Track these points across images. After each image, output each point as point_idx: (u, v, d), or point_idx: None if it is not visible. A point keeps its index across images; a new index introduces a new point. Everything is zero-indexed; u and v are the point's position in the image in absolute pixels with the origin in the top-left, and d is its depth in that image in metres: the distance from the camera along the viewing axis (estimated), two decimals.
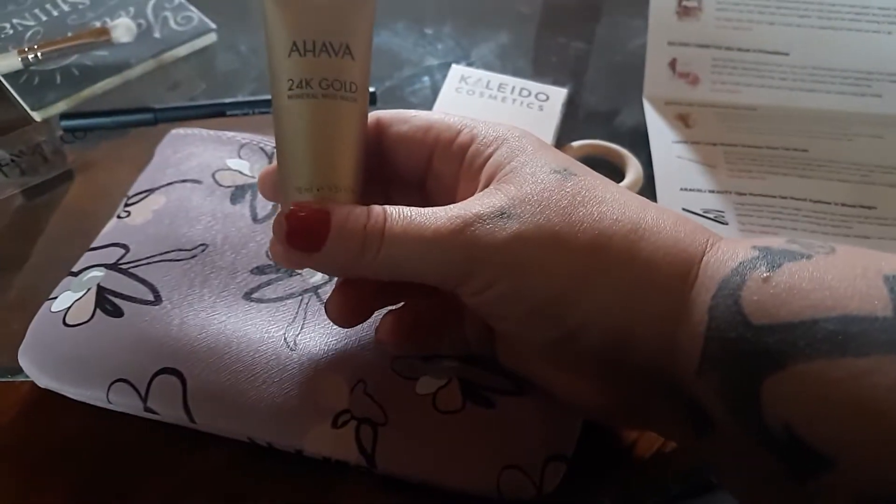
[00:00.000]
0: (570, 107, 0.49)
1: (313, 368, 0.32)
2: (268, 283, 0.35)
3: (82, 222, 0.42)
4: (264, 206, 0.38)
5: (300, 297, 0.35)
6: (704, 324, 0.23)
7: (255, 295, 0.34)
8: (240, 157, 0.40)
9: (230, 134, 0.41)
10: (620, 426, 0.33)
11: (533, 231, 0.25)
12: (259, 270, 0.35)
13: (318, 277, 0.35)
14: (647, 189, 0.41)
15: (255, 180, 0.39)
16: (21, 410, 0.34)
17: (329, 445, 0.30)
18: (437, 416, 0.31)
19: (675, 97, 0.47)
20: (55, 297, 0.34)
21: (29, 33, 0.51)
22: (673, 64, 0.47)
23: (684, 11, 0.46)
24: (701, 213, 0.40)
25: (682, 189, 0.42)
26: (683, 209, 0.41)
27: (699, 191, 0.42)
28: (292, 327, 0.33)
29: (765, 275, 0.23)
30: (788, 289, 0.22)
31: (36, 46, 0.48)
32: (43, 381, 0.32)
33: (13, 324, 0.37)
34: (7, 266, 0.40)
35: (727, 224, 0.40)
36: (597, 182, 0.27)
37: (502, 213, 0.25)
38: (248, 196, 0.38)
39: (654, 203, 0.27)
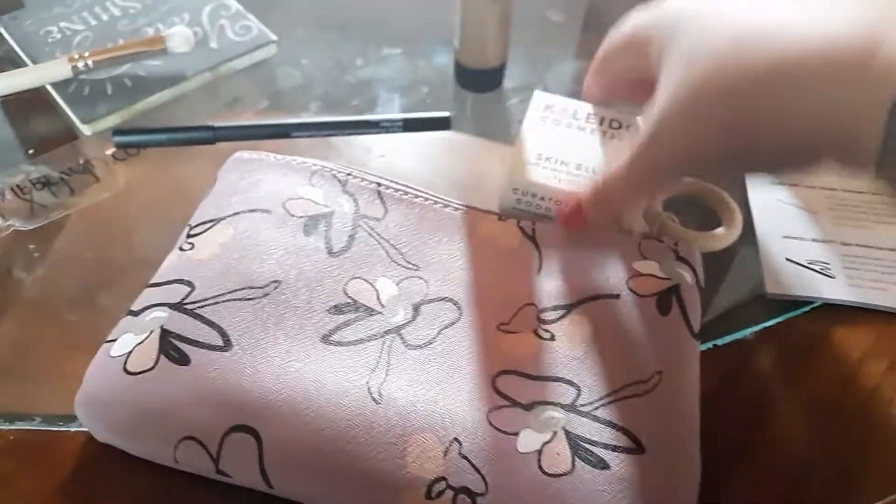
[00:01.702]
0: None
1: (402, 425, 0.29)
2: (346, 324, 0.32)
3: (125, 246, 0.39)
4: (339, 237, 0.35)
5: (382, 339, 0.32)
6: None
7: (333, 337, 0.31)
8: (312, 185, 0.37)
9: (300, 160, 0.38)
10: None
11: None
12: (337, 309, 0.32)
13: (401, 317, 0.33)
14: (747, 234, 0.38)
15: (330, 210, 0.36)
16: (78, 465, 0.31)
17: None
18: (544, 481, 0.28)
19: None
20: (114, 340, 0.31)
21: (77, 38, 0.48)
22: None
23: None
24: (806, 264, 0.37)
25: (784, 237, 0.39)
26: (787, 259, 0.38)
27: (802, 239, 0.39)
28: (376, 375, 0.30)
29: None
30: None
31: (87, 54, 0.45)
32: (102, 436, 0.30)
33: (66, 364, 0.34)
34: (54, 295, 0.37)
35: (834, 277, 0.37)
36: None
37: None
38: (321, 227, 0.35)
39: None
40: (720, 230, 0.38)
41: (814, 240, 0.39)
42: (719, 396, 0.33)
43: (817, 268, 0.37)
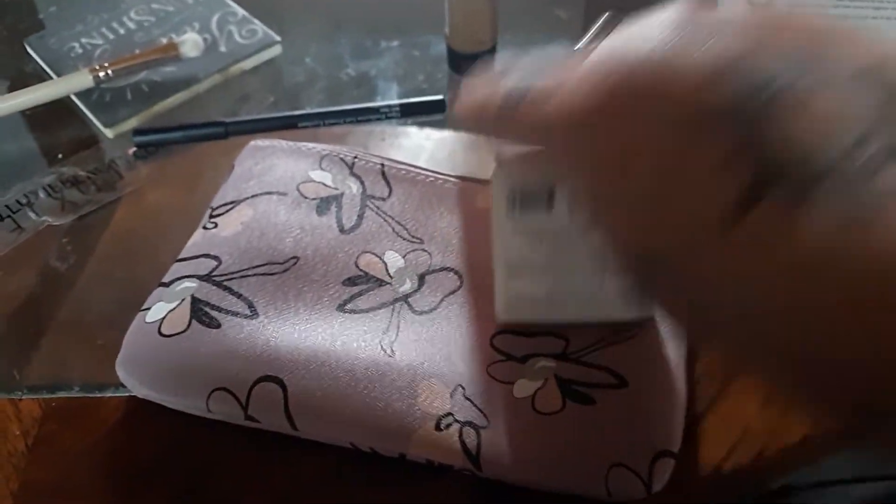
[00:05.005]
0: None
1: (412, 373, 0.32)
2: (360, 294, 0.35)
3: (148, 234, 0.42)
4: (349, 217, 0.38)
5: (392, 307, 0.34)
6: None
7: (348, 306, 0.34)
8: (322, 169, 0.40)
9: (310, 145, 0.41)
10: None
11: None
12: (350, 282, 0.35)
13: (408, 287, 0.35)
14: None
15: (339, 192, 0.39)
16: (112, 424, 0.34)
17: (433, 448, 0.30)
18: (537, 419, 0.31)
19: None
20: (148, 308, 0.34)
21: (98, 52, 0.52)
22: None
23: None
24: None
25: None
26: None
27: None
28: (387, 335, 0.33)
29: None
30: None
31: (107, 64, 0.48)
32: (142, 392, 0.32)
33: (98, 338, 0.37)
34: (86, 280, 0.40)
35: None
36: None
37: None
38: (333, 208, 0.38)
39: None
40: None
41: None
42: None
43: None
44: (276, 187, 0.38)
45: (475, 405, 0.31)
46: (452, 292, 0.36)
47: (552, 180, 0.30)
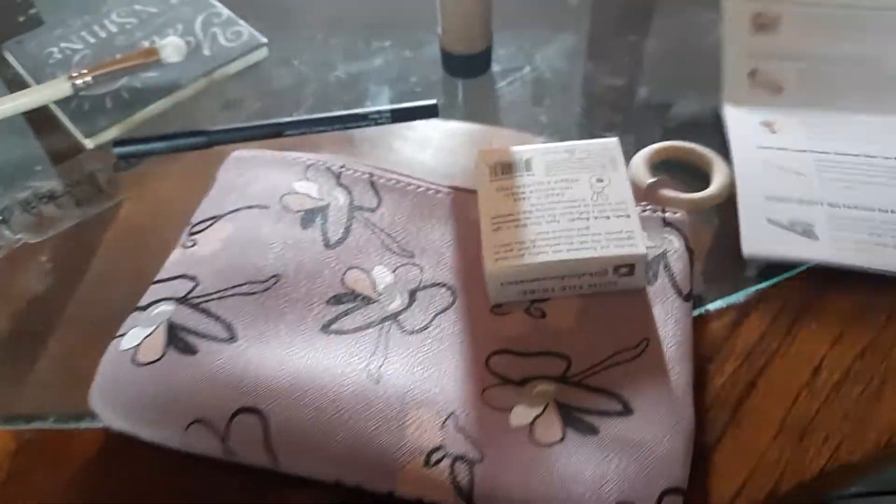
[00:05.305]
0: (644, 109, 0.47)
1: (400, 402, 0.30)
2: (345, 314, 0.33)
3: (129, 250, 0.41)
4: (335, 230, 0.36)
5: (380, 326, 0.33)
6: None
7: (333, 327, 0.33)
8: (307, 180, 0.38)
9: (295, 155, 0.39)
10: None
11: None
12: (336, 300, 0.33)
13: (397, 304, 0.34)
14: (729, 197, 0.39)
15: (325, 203, 0.37)
16: (89, 460, 0.32)
17: (423, 486, 0.28)
18: (536, 451, 0.29)
19: (757, 103, 0.44)
20: (123, 335, 0.32)
21: (77, 57, 0.50)
22: (753, 71, 0.44)
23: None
24: (787, 225, 0.38)
25: (767, 198, 0.39)
26: (769, 220, 0.38)
27: (787, 201, 0.39)
28: (374, 358, 0.31)
29: None
30: None
31: (86, 70, 0.47)
32: (116, 424, 0.31)
33: (78, 362, 0.35)
34: (63, 301, 0.39)
35: (818, 239, 0.37)
36: None
37: None
38: (318, 220, 0.36)
39: None
40: (710, 190, 0.38)
41: (799, 201, 0.39)
42: (713, 360, 0.34)
43: (799, 229, 0.37)
44: (258, 200, 0.36)
45: (468, 436, 0.29)
46: (445, 309, 0.34)
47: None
